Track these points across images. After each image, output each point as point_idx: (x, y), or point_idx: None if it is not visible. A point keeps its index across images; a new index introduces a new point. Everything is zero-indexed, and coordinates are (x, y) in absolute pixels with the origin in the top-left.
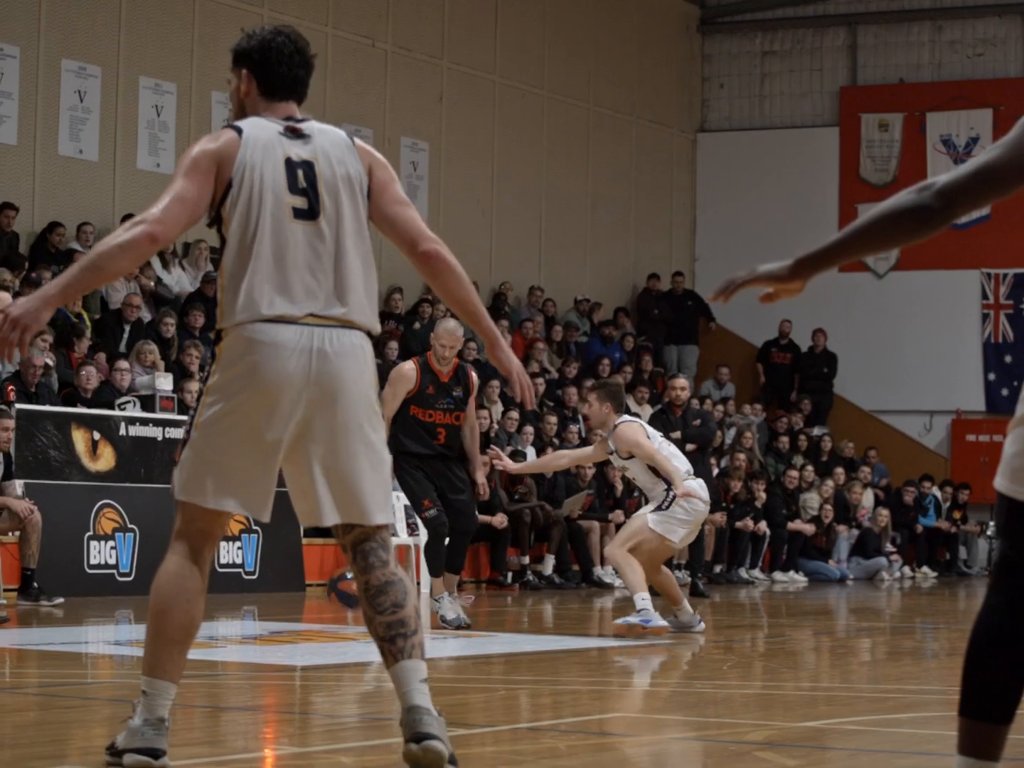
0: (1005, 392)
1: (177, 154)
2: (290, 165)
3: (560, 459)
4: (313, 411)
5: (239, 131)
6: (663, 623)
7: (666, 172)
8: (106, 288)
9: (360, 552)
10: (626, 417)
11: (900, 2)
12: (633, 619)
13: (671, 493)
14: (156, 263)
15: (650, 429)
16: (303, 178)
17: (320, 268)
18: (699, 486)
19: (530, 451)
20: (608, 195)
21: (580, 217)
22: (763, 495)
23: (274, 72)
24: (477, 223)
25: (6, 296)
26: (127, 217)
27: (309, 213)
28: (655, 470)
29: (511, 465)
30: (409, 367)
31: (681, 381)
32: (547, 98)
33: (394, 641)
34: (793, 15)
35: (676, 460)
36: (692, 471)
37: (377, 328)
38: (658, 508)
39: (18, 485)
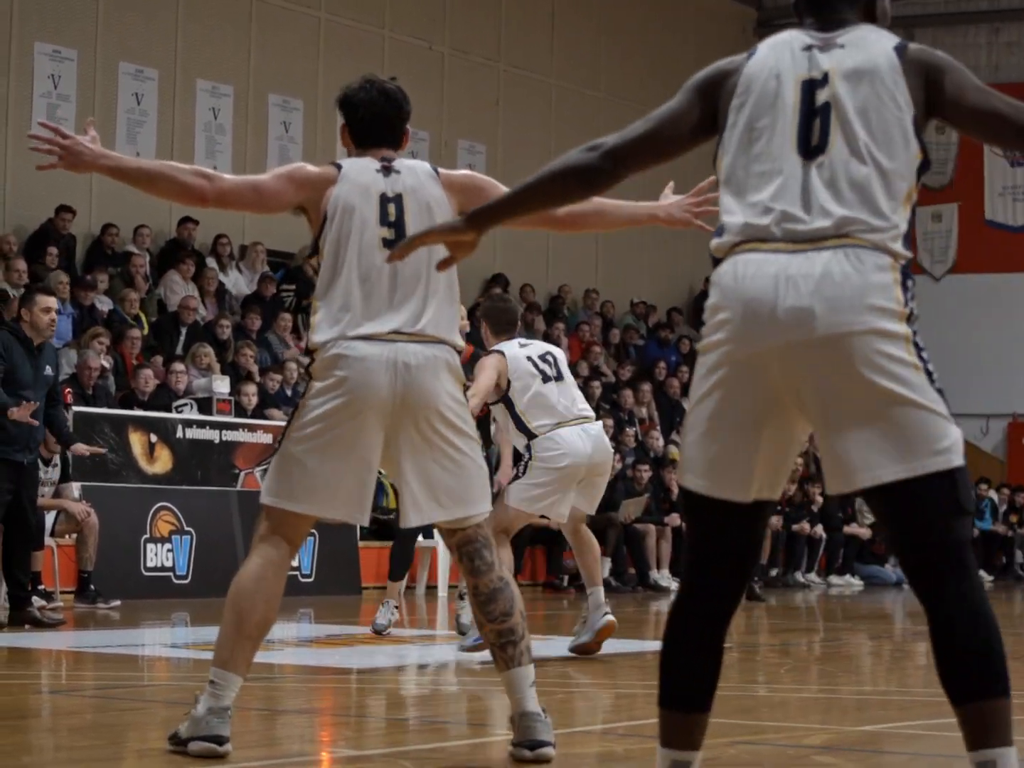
0: None
1: (234, 156)
2: (383, 200)
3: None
4: (398, 420)
5: (339, 168)
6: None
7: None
8: (164, 290)
9: (466, 554)
10: (501, 345)
11: (957, 4)
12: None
13: (529, 452)
14: (214, 265)
15: (526, 364)
16: (393, 211)
17: (404, 291)
18: (574, 435)
19: None
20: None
21: None
22: (819, 499)
23: (361, 124)
24: None
25: (50, 299)
26: (184, 221)
27: (396, 243)
28: (522, 425)
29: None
30: None
31: None
32: (603, 100)
33: (504, 648)
34: None
35: (540, 411)
36: (570, 417)
37: (460, 343)
38: (515, 477)
39: (75, 487)
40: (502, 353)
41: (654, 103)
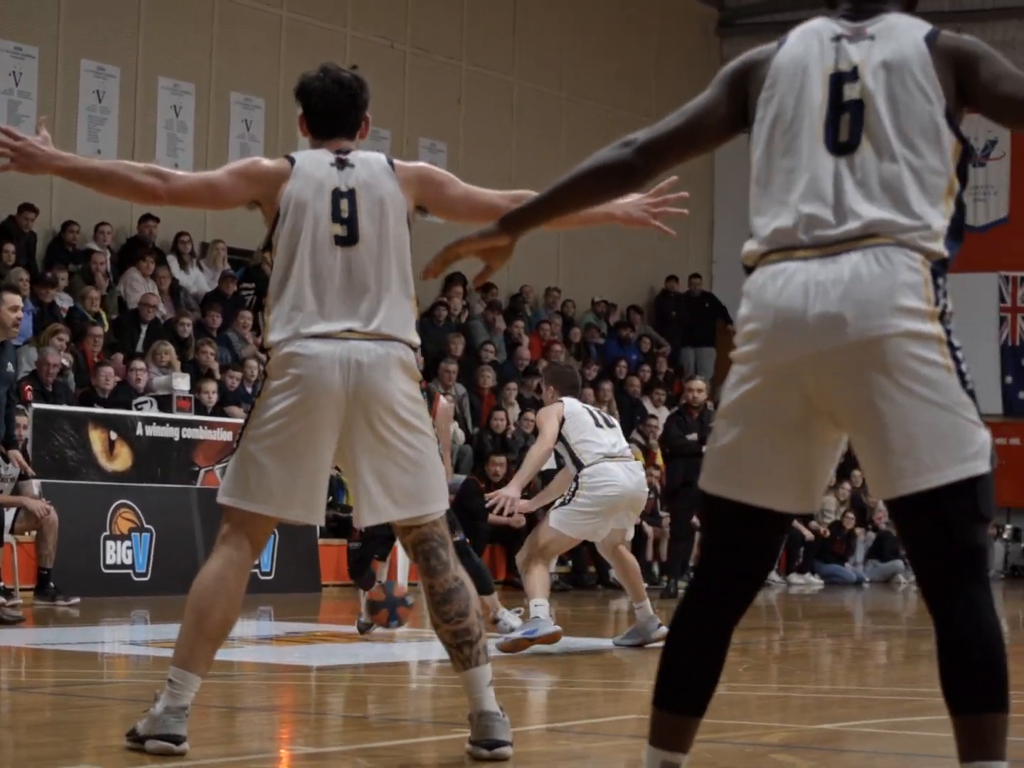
0: (1023, 395)
1: (196, 154)
2: (336, 196)
3: (534, 456)
4: (352, 418)
5: (292, 162)
6: (553, 628)
7: (684, 174)
8: (124, 287)
9: (421, 553)
10: (564, 399)
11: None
12: (517, 633)
13: (576, 482)
14: (174, 263)
15: (582, 410)
16: (346, 207)
17: (357, 288)
18: (620, 469)
19: None
20: None
21: None
22: None
23: (316, 113)
24: None
25: (16, 297)
26: (145, 219)
27: (349, 240)
28: (575, 457)
29: (524, 505)
30: None
31: (698, 383)
32: (565, 99)
33: (461, 649)
34: (812, 16)
35: (591, 444)
36: (616, 453)
37: (415, 340)
38: (562, 503)
39: (35, 485)
40: (561, 401)
41: (617, 102)
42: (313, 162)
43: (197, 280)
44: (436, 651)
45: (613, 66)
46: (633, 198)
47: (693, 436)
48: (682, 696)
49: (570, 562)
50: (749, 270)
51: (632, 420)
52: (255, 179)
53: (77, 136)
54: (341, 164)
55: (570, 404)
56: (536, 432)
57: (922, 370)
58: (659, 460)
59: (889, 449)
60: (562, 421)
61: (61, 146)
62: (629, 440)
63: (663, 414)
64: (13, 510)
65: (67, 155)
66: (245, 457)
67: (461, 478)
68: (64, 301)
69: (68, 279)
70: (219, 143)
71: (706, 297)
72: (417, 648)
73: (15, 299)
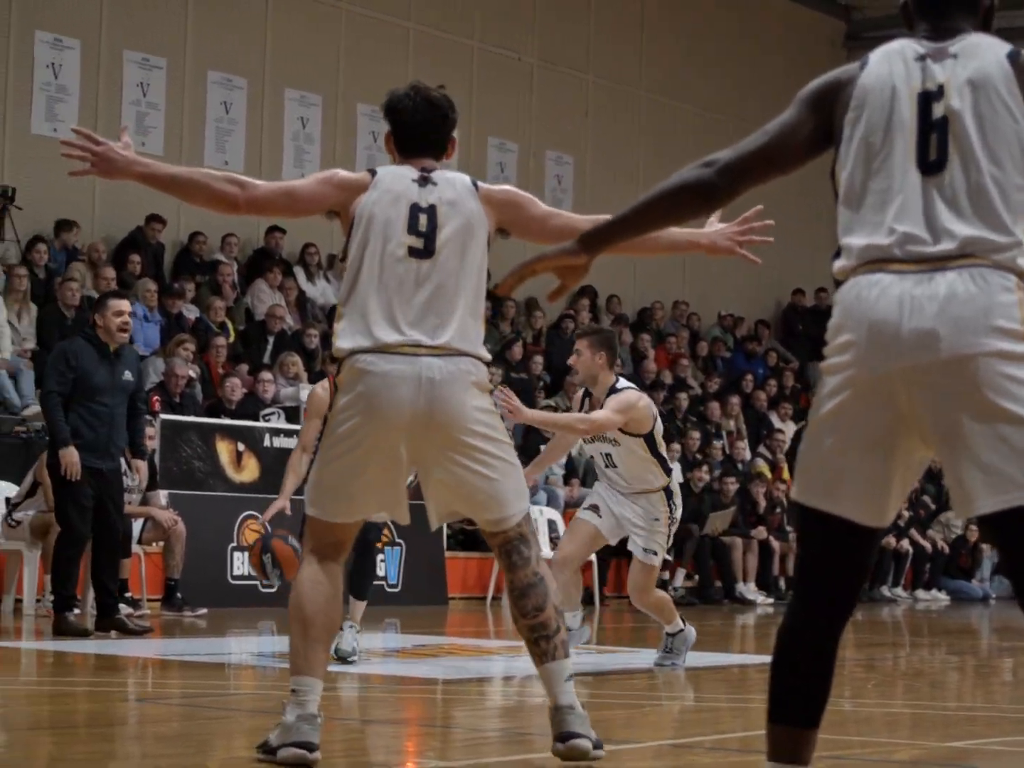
0: None
1: (322, 166)
2: (414, 209)
3: (556, 447)
4: (425, 435)
5: (374, 174)
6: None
7: (811, 187)
8: (251, 299)
9: (504, 551)
10: (627, 383)
11: None
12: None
13: (669, 498)
14: (301, 275)
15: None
16: (424, 222)
17: (429, 302)
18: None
19: (676, 467)
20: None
21: None
22: (905, 513)
23: (405, 131)
24: None
25: (122, 303)
26: (272, 230)
27: (423, 252)
28: (665, 464)
29: (526, 413)
30: (322, 389)
31: None
32: (691, 112)
33: (538, 643)
34: None
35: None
36: None
37: (485, 355)
38: (652, 531)
39: (162, 495)
40: (646, 396)
41: (743, 115)
42: (395, 176)
43: (324, 291)
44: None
45: (739, 78)
46: (719, 227)
47: None
48: (795, 709)
49: (696, 576)
50: (839, 283)
51: (759, 434)
52: (335, 188)
53: (204, 148)
54: (424, 181)
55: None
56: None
57: (1015, 389)
58: (785, 475)
59: (980, 466)
60: (653, 419)
61: (189, 158)
62: (756, 454)
63: (790, 428)
64: (141, 521)
65: (147, 161)
66: (322, 470)
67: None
68: (191, 312)
69: (195, 290)
70: (346, 154)
71: (832, 311)
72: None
73: (119, 304)
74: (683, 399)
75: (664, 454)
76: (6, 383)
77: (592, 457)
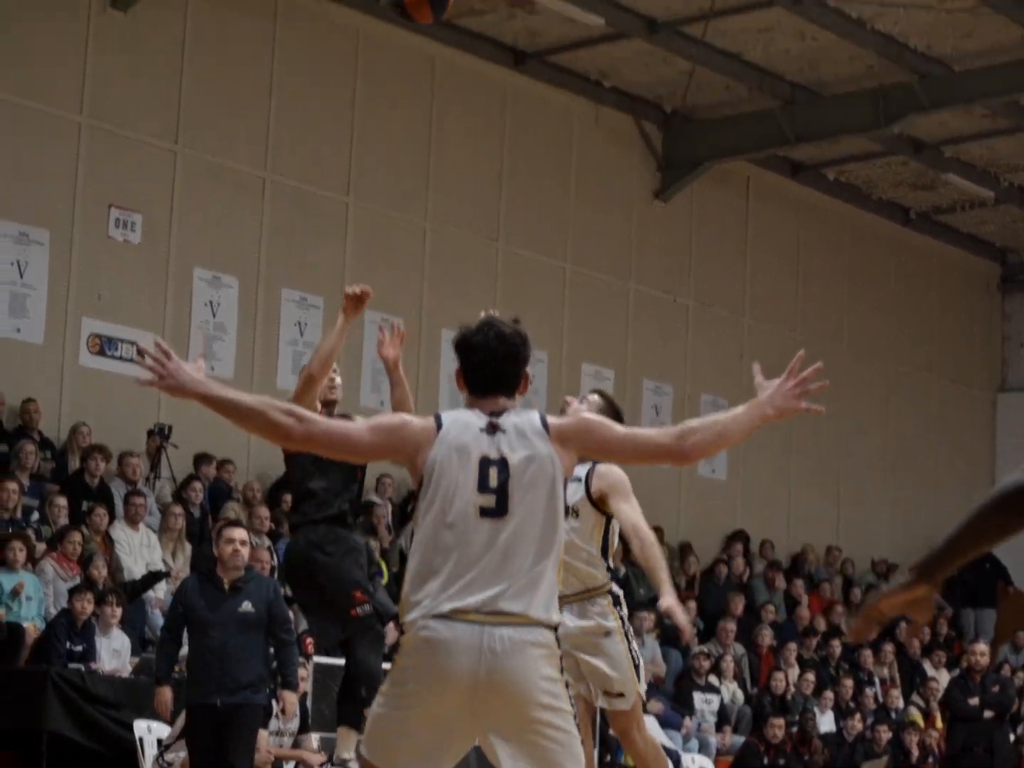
0: None
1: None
2: (484, 464)
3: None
4: (487, 705)
5: (440, 425)
6: None
7: (966, 431)
8: (405, 541)
9: None
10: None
11: None
12: None
13: (619, 600)
14: None
15: None
16: (495, 477)
17: (501, 565)
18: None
19: (828, 716)
20: (907, 453)
21: (879, 475)
22: None
23: (474, 369)
24: (775, 482)
25: (237, 531)
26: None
27: (496, 511)
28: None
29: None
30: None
31: (981, 647)
32: (847, 353)
33: None
34: None
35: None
36: None
37: (556, 620)
38: (628, 636)
39: (314, 738)
40: None
41: (898, 359)
42: (461, 426)
43: None
44: None
45: (894, 322)
46: (770, 384)
47: (975, 700)
48: None
49: None
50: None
51: (912, 682)
52: (399, 442)
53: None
54: (492, 429)
55: None
56: (815, 695)
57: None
58: (939, 723)
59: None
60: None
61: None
62: (909, 702)
63: (943, 676)
64: (292, 764)
65: (213, 384)
66: (379, 717)
67: (740, 740)
68: None
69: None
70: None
71: (987, 557)
72: None
73: (231, 532)
74: (836, 646)
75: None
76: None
77: None
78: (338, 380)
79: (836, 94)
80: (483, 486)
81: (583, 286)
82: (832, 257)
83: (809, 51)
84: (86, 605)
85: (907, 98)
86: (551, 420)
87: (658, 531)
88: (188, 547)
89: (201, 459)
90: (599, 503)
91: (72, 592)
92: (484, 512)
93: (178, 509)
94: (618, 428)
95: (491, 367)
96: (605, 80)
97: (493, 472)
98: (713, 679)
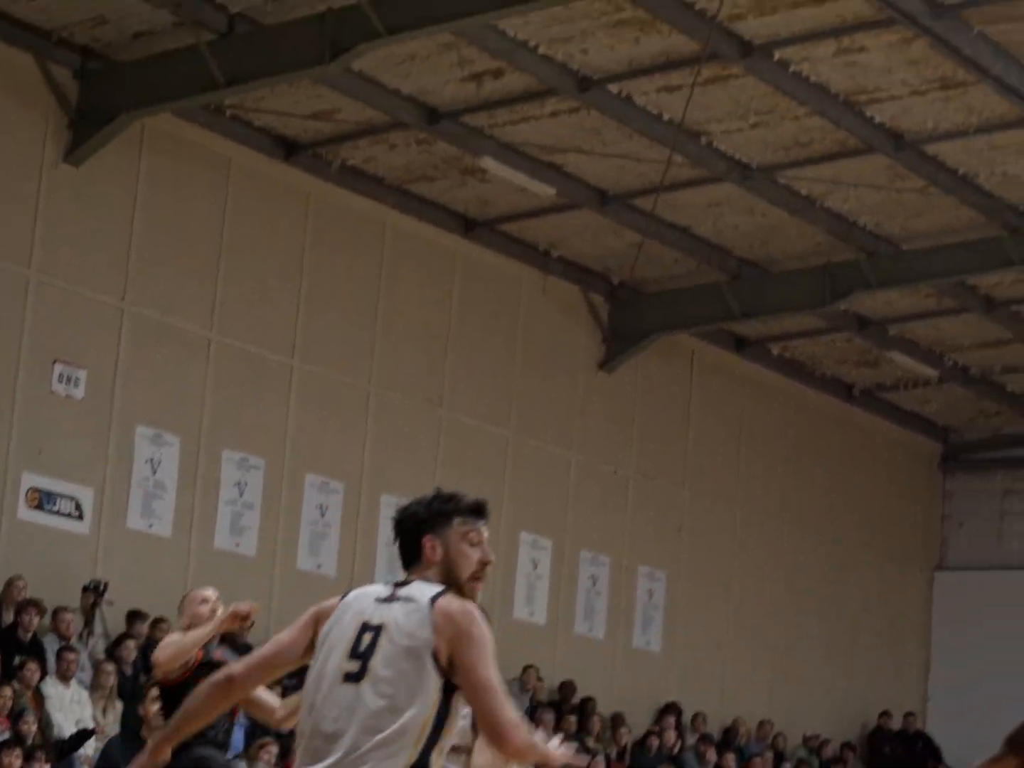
0: None
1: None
2: (361, 630)
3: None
4: None
5: (344, 596)
6: None
7: (902, 609)
8: None
9: None
10: None
11: None
12: None
13: None
14: None
15: None
16: (367, 643)
17: (349, 728)
18: None
19: None
20: (843, 630)
21: (814, 650)
22: None
23: (397, 545)
24: (709, 654)
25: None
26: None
27: (356, 677)
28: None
29: None
30: None
31: None
32: (788, 530)
33: None
34: None
35: None
36: None
37: None
38: None
39: None
40: None
41: (838, 534)
42: (363, 596)
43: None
44: None
45: (835, 498)
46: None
47: None
48: None
49: None
50: None
51: None
52: (308, 624)
53: (298, 550)
54: (390, 598)
55: None
56: None
57: None
58: None
59: None
60: None
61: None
62: None
63: None
64: None
65: (161, 733)
66: None
67: None
68: None
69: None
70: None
71: (920, 736)
72: None
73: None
74: None
75: None
76: None
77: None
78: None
79: (784, 270)
80: (353, 651)
81: (525, 455)
82: (775, 433)
83: (758, 227)
84: (14, 760)
85: (854, 276)
86: (442, 601)
87: (590, 701)
88: (119, 705)
89: (135, 616)
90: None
91: (1, 747)
92: (347, 677)
93: (110, 666)
94: (489, 666)
95: (399, 540)
96: (554, 250)
97: (367, 638)
98: None
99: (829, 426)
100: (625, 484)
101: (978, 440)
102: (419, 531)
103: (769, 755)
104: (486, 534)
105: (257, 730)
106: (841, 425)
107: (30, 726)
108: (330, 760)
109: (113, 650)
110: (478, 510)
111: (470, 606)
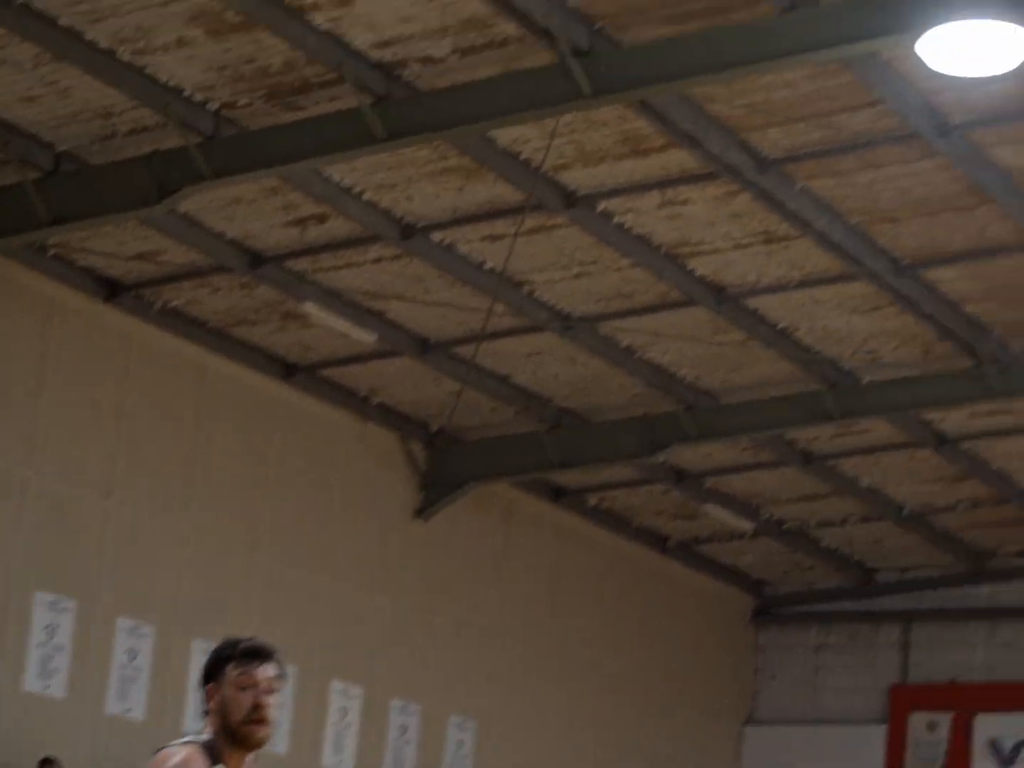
0: None
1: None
2: None
3: None
4: None
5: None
6: None
7: (711, 764)
8: None
9: None
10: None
11: (956, 600)
12: None
13: None
14: None
15: None
16: None
17: None
18: None
19: None
20: None
21: None
22: None
23: None
24: None
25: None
26: None
27: None
28: None
29: None
30: None
31: None
32: (599, 682)
33: None
34: (850, 608)
35: None
36: None
37: None
38: None
39: None
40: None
41: (648, 687)
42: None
43: None
44: None
45: (650, 649)
46: None
47: None
48: None
49: None
50: None
51: None
52: None
53: (107, 694)
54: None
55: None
56: None
57: None
58: None
59: None
60: None
61: (90, 703)
62: None
63: None
64: None
65: None
66: None
67: None
68: None
69: None
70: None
71: None
72: None
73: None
74: None
75: None
76: None
77: None
78: None
79: (603, 420)
80: None
81: (338, 601)
82: (589, 583)
83: (579, 376)
84: None
85: (674, 428)
86: (161, 752)
87: None
88: None
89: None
90: None
91: None
92: None
93: None
94: None
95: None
96: (373, 397)
97: None
98: None
99: (644, 577)
100: (437, 631)
101: (792, 594)
102: (205, 681)
103: None
104: (264, 675)
105: None
106: (656, 576)
107: None
108: None
109: None
110: (253, 653)
111: (175, 757)
